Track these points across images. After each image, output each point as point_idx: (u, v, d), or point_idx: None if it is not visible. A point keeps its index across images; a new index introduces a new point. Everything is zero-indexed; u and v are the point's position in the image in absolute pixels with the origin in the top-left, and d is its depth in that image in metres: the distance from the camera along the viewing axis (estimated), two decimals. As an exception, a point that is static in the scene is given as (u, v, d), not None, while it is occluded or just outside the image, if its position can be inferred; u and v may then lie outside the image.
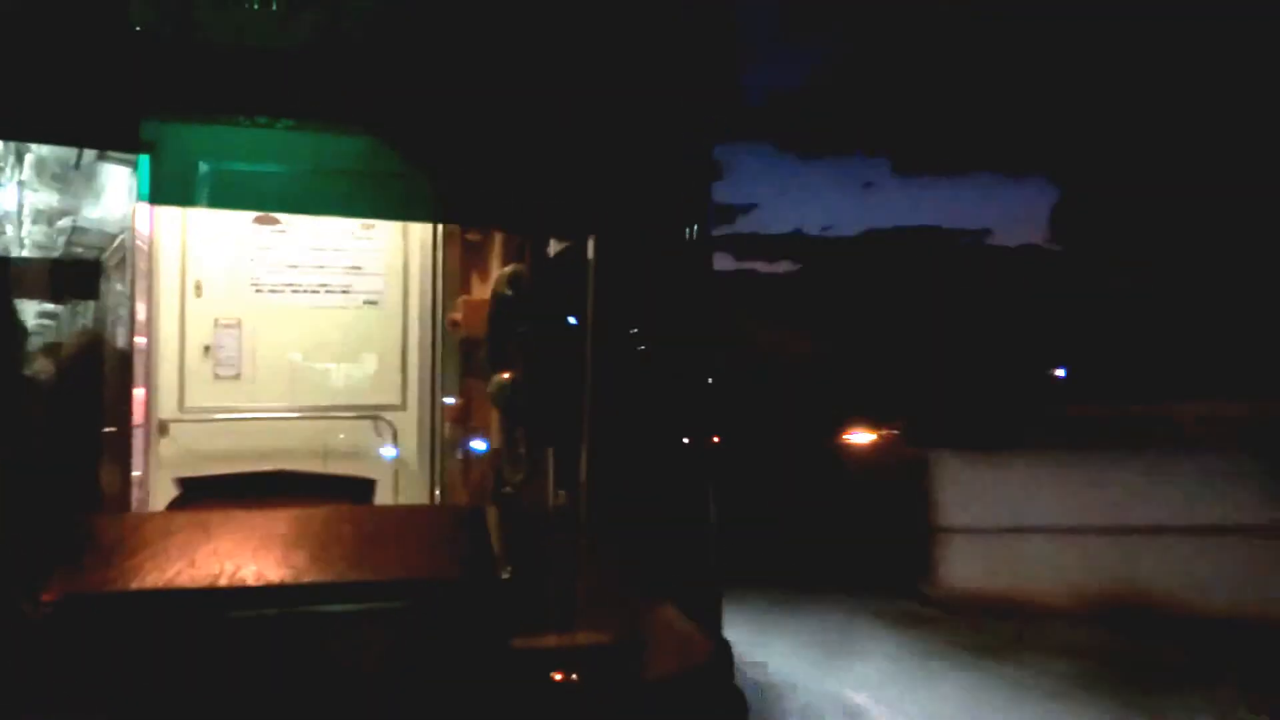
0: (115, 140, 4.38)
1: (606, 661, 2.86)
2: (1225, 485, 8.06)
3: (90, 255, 6.75)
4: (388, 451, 5.66)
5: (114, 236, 6.32)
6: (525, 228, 3.66)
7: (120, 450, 5.10)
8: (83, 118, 3.81)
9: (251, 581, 2.50)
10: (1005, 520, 8.54)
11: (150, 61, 3.82)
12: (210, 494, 4.23)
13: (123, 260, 5.81)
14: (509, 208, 3.50)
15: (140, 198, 4.89)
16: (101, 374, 5.26)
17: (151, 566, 2.51)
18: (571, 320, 3.35)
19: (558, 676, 2.69)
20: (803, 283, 26.91)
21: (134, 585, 2.44)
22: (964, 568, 8.53)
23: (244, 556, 2.59)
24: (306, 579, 2.56)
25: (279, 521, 2.85)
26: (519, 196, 3.39)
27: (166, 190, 5.40)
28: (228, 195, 5.45)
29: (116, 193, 5.93)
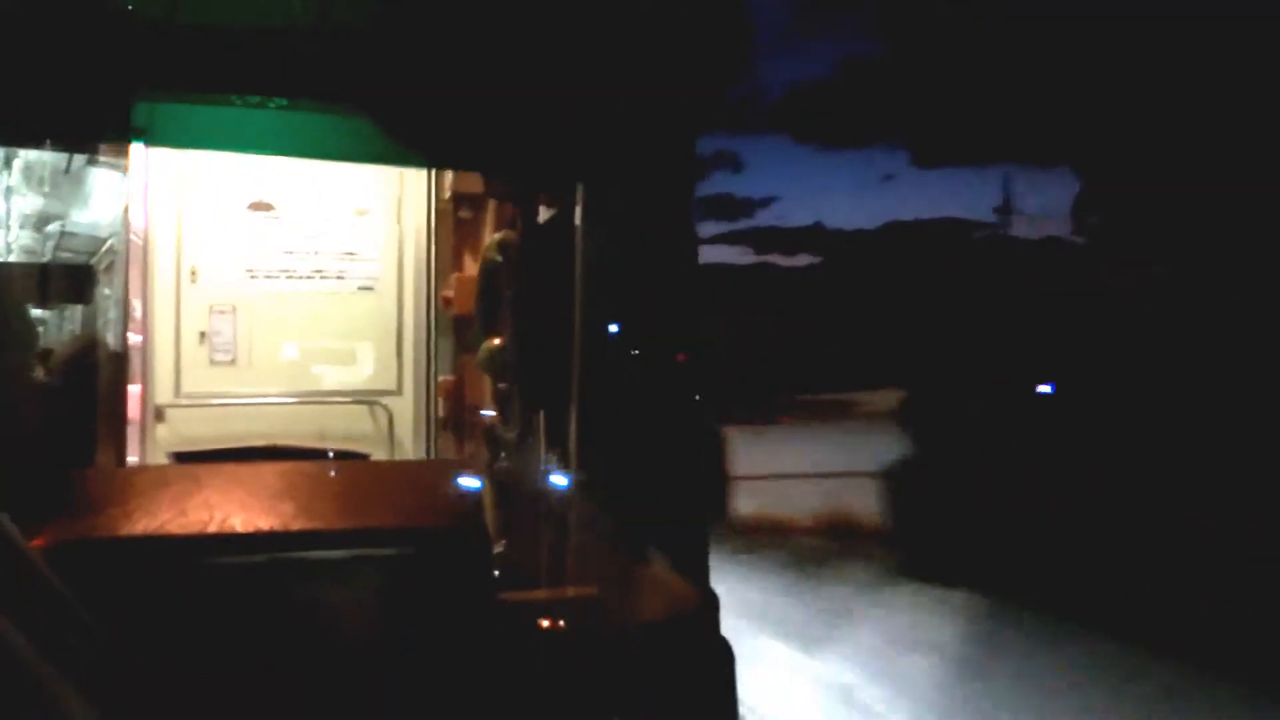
0: (107, 126, 4.39)
1: (594, 612, 2.88)
2: (876, 444, 12.93)
3: (80, 260, 6.79)
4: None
5: (104, 240, 6.35)
6: (513, 174, 3.70)
7: (115, 444, 5.12)
8: (73, 104, 3.85)
9: (240, 529, 2.53)
10: (766, 470, 13.41)
11: (141, 42, 3.86)
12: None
13: (112, 264, 5.83)
14: (498, 156, 3.53)
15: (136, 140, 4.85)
16: (95, 372, 5.28)
17: (141, 515, 2.54)
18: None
19: (545, 624, 2.71)
20: (822, 276, 27.36)
21: (124, 532, 2.47)
22: (745, 503, 12.89)
23: (233, 506, 2.62)
24: (295, 526, 2.58)
25: (270, 475, 2.88)
26: (509, 147, 3.43)
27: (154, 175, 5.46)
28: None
29: (105, 197, 5.95)
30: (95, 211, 6.21)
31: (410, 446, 5.78)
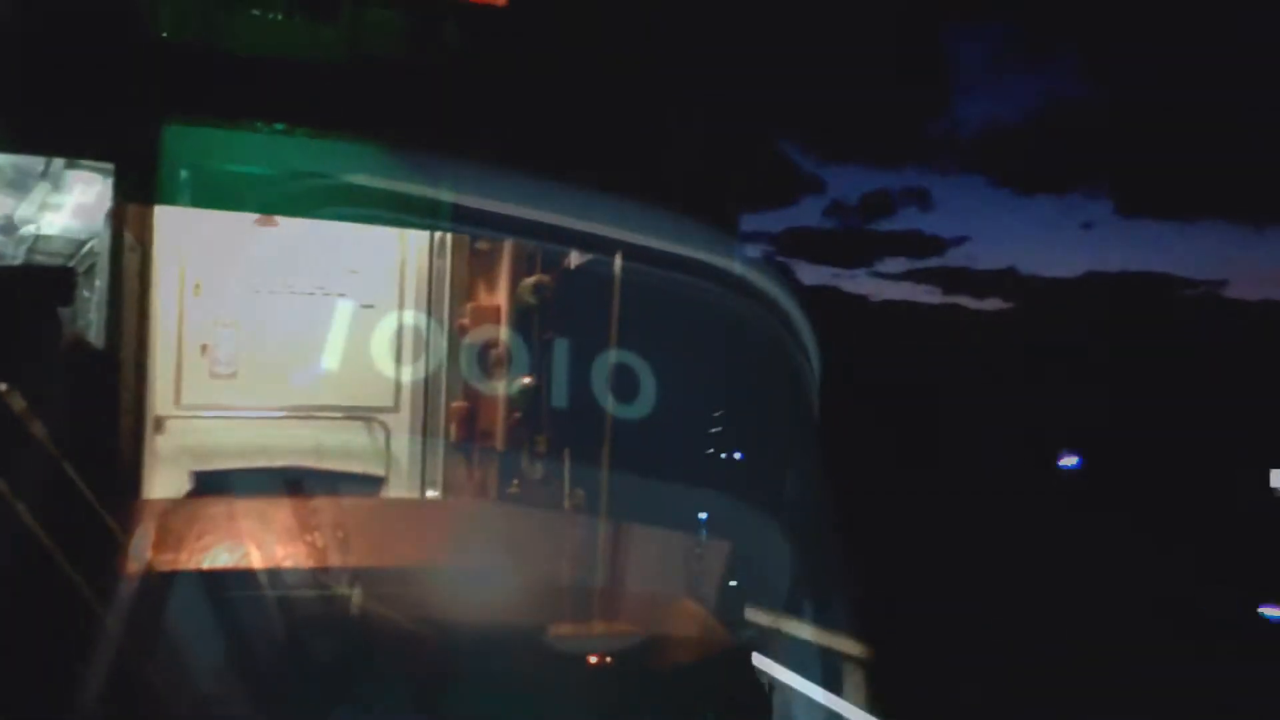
0: (137, 145, 4.42)
1: (633, 648, 3.06)
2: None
3: (56, 263, 6.71)
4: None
5: (83, 243, 6.30)
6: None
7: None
8: (106, 125, 3.95)
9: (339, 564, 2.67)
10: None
11: (173, 67, 3.97)
12: (225, 487, 4.35)
13: (93, 267, 5.80)
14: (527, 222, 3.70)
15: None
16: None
17: (222, 549, 2.67)
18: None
19: (593, 660, 2.88)
20: (1014, 321, 26.39)
21: (207, 565, 2.60)
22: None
23: (321, 541, 2.76)
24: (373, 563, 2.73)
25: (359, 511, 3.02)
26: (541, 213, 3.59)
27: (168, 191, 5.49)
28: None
29: (86, 198, 5.92)
30: (74, 213, 6.13)
31: (406, 464, 5.88)
